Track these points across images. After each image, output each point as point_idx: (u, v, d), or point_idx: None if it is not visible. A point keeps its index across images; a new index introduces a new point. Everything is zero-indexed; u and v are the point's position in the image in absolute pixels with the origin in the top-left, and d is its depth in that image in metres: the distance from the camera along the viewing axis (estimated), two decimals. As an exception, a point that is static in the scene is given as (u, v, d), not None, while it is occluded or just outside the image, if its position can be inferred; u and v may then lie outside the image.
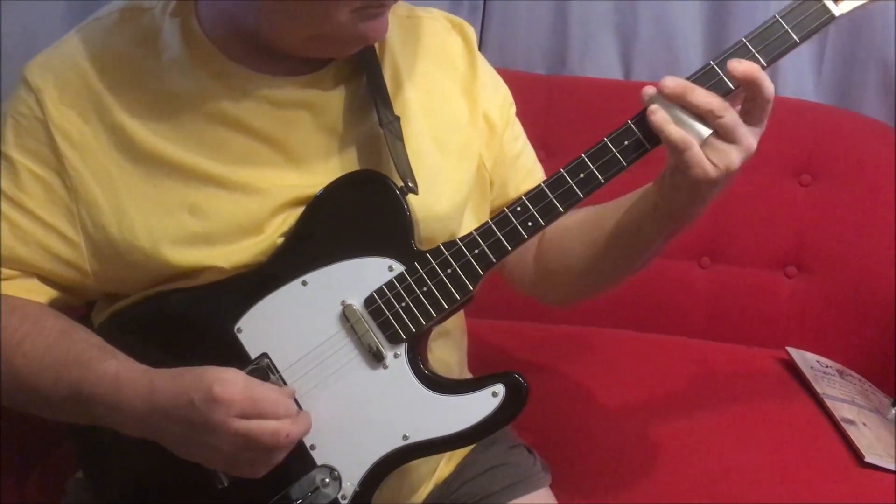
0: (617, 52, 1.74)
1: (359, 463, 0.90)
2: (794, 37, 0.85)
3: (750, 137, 0.84)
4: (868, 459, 1.21)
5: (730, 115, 0.83)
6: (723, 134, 0.83)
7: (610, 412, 1.33)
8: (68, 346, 0.89)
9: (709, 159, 0.83)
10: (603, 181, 0.88)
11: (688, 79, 0.85)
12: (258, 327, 0.91)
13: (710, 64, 0.85)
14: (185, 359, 0.87)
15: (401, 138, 0.94)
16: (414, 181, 0.93)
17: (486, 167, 1.05)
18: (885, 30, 1.63)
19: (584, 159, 0.88)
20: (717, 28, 1.65)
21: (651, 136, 0.86)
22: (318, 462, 0.91)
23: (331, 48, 0.92)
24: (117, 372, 0.86)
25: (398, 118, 0.95)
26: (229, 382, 0.82)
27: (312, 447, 0.90)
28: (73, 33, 0.96)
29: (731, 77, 0.83)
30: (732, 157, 0.83)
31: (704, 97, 0.83)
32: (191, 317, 0.93)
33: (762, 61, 0.84)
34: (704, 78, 0.85)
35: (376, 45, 0.99)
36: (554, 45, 1.74)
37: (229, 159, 0.92)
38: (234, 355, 0.91)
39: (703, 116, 0.83)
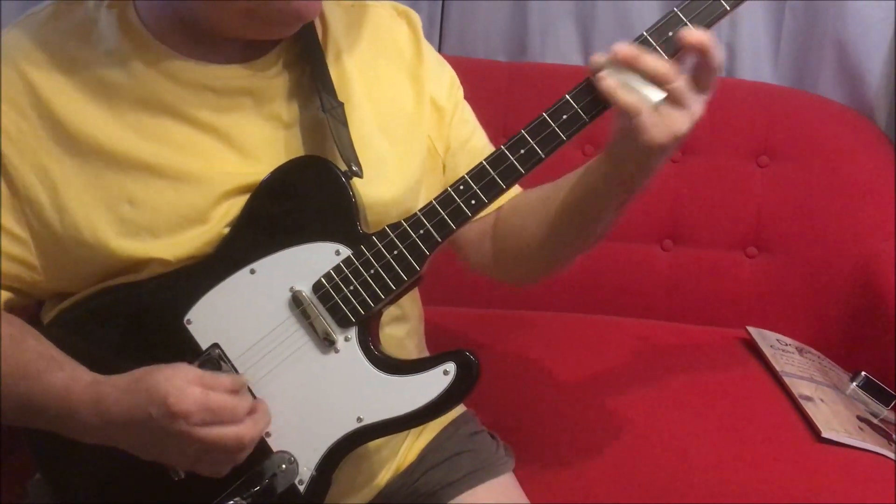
0: (577, 39, 1.76)
1: (314, 447, 0.90)
2: (725, 5, 0.85)
3: (698, 103, 0.85)
4: (825, 435, 1.22)
5: (680, 81, 0.84)
6: (673, 99, 0.84)
7: (573, 395, 1.33)
8: (17, 356, 0.88)
9: (659, 124, 0.84)
10: (543, 156, 0.89)
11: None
12: (208, 318, 0.92)
13: (643, 35, 0.85)
14: (136, 353, 0.87)
15: (345, 123, 0.95)
16: (358, 165, 0.93)
17: (437, 151, 1.06)
18: (840, 11, 1.65)
19: (523, 135, 0.88)
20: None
21: (590, 109, 0.87)
22: (275, 449, 0.91)
23: (267, 27, 0.92)
24: (65, 384, 0.86)
25: (342, 104, 0.96)
26: (184, 394, 0.82)
27: (268, 434, 0.91)
28: (8, 30, 0.95)
29: (684, 44, 0.84)
30: (681, 122, 0.84)
31: (658, 62, 0.83)
32: (139, 311, 0.93)
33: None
34: (656, 34, 0.85)
35: (320, 33, 0.99)
36: (514, 33, 1.75)
37: (170, 149, 0.92)
38: (185, 347, 0.91)
39: (656, 81, 0.83)
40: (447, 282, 1.54)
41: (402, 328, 1.07)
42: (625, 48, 0.84)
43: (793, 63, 1.72)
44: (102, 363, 0.88)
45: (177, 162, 0.91)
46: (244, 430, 0.85)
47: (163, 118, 0.92)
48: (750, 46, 1.71)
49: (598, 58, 0.86)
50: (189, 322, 0.92)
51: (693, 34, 0.83)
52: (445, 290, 1.49)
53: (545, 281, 1.10)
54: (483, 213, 0.95)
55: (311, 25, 0.98)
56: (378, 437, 0.93)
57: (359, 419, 0.90)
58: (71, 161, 0.91)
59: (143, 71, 0.92)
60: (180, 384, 0.83)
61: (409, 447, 1.10)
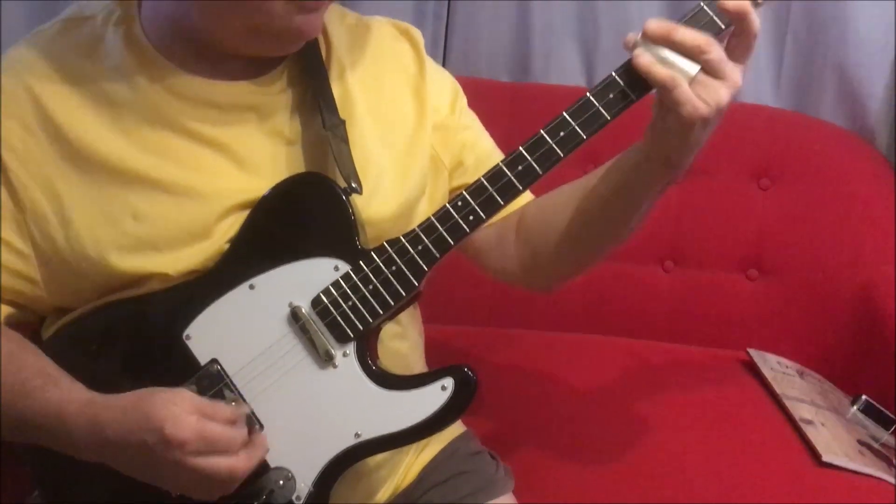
0: (579, 60, 1.77)
1: (312, 463, 0.90)
2: None
3: (737, 73, 0.84)
4: (825, 458, 1.22)
5: (716, 51, 0.83)
6: (710, 70, 0.83)
7: (573, 416, 1.33)
8: (14, 372, 0.88)
9: (699, 97, 0.83)
10: (541, 172, 0.88)
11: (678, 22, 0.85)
12: (207, 333, 0.92)
13: (699, 5, 0.85)
14: (135, 368, 0.87)
15: (346, 141, 0.95)
16: (358, 182, 0.93)
17: (443, 163, 1.06)
18: (842, 36, 1.66)
19: (521, 152, 0.89)
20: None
21: (635, 86, 0.86)
22: (272, 464, 0.91)
23: (268, 44, 0.93)
24: (60, 403, 0.86)
25: (343, 121, 0.96)
26: (181, 423, 0.82)
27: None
28: (16, 46, 0.96)
29: (723, 12, 0.84)
30: (721, 92, 0.83)
31: (690, 34, 0.83)
32: (138, 326, 0.93)
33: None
34: (692, 21, 0.85)
35: (323, 50, 1.00)
36: (517, 53, 1.76)
37: (174, 164, 0.92)
38: (184, 362, 0.91)
39: (690, 54, 0.83)
40: (447, 300, 1.54)
41: (402, 344, 1.07)
42: (655, 24, 0.84)
43: (794, 86, 1.73)
44: (102, 378, 0.88)
45: (180, 177, 0.92)
46: (238, 463, 0.85)
47: (167, 133, 0.93)
48: (752, 70, 1.71)
49: (632, 35, 0.85)
50: (188, 337, 0.92)
51: (732, 3, 0.82)
52: (445, 309, 1.49)
53: (556, 293, 1.10)
54: (495, 218, 0.95)
55: (315, 43, 0.99)
56: (376, 453, 0.93)
57: (357, 435, 0.90)
58: (76, 175, 0.91)
59: (148, 87, 0.93)
60: (178, 412, 0.82)
61: (409, 466, 1.10)
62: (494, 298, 1.63)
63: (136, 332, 0.94)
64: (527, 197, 1.07)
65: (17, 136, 0.91)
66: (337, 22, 1.04)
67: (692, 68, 0.83)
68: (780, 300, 1.58)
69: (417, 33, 1.08)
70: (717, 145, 1.58)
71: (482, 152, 1.09)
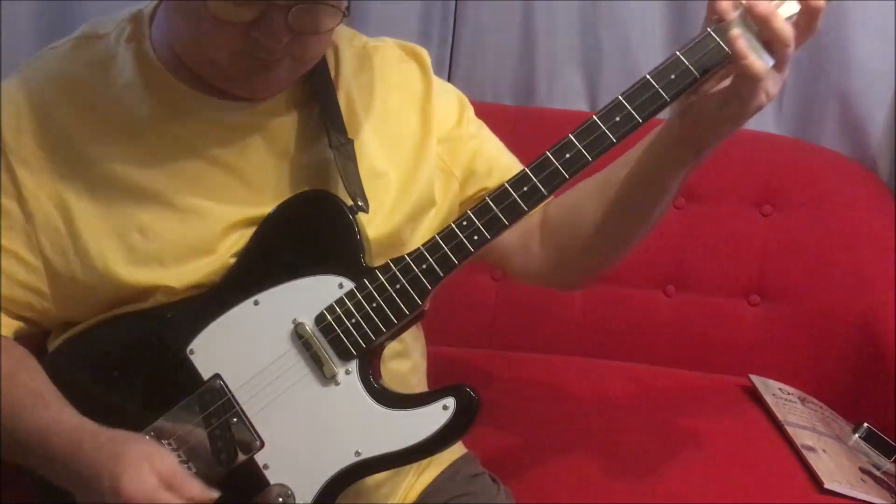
0: (583, 85, 1.78)
1: (312, 481, 0.90)
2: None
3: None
4: (827, 486, 1.22)
5: (793, 47, 0.84)
6: (782, 64, 0.84)
7: (573, 439, 1.33)
8: (10, 390, 0.89)
9: (764, 88, 0.84)
10: (546, 193, 0.89)
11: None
12: (210, 348, 0.92)
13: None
14: (138, 383, 0.88)
15: (353, 160, 0.96)
16: (364, 201, 0.94)
17: (454, 175, 1.07)
18: (844, 64, 1.67)
19: (527, 172, 0.90)
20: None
21: (706, 69, 0.85)
22: (272, 481, 0.91)
23: (236, 90, 0.94)
24: (47, 425, 0.86)
25: (351, 141, 0.97)
26: (139, 481, 0.80)
27: (265, 466, 0.91)
28: (28, 63, 0.98)
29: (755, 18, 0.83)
30: (776, 88, 0.85)
31: (787, 25, 0.83)
32: (142, 340, 0.94)
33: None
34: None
35: (333, 70, 1.01)
36: (521, 78, 1.77)
37: (181, 181, 0.93)
38: (187, 377, 0.92)
39: (777, 43, 0.83)
40: (449, 322, 1.54)
41: (405, 364, 1.07)
42: (762, 4, 0.82)
43: (796, 114, 1.74)
44: (105, 392, 0.88)
45: (187, 194, 0.93)
46: None
47: (174, 151, 0.94)
48: (754, 97, 1.73)
49: (731, 7, 0.84)
50: (192, 352, 0.92)
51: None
52: (448, 331, 1.49)
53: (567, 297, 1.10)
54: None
55: (324, 63, 1.00)
56: (376, 472, 0.93)
57: (357, 453, 0.90)
58: (85, 190, 0.93)
59: (157, 104, 0.94)
60: (143, 468, 0.81)
61: (409, 487, 1.10)
62: (497, 321, 1.63)
63: (139, 346, 0.94)
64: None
65: (30, 150, 0.92)
66: (346, 44, 1.05)
67: (769, 60, 0.83)
68: (782, 326, 1.58)
69: (424, 53, 1.09)
70: (719, 171, 1.61)
71: (491, 157, 1.10)
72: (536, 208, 0.91)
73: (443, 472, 1.13)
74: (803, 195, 1.62)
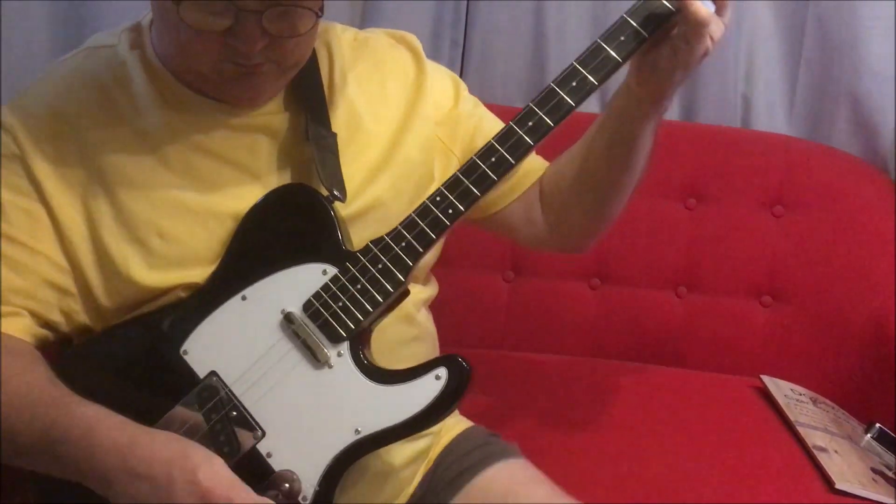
0: (593, 86, 1.78)
1: (316, 463, 0.91)
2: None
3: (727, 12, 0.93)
4: (839, 486, 1.22)
5: None
6: (721, 9, 0.92)
7: (585, 440, 1.34)
8: (51, 388, 0.89)
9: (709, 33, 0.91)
10: (514, 161, 0.93)
11: None
12: (203, 347, 0.94)
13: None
14: (136, 390, 0.90)
15: (333, 151, 0.99)
16: (342, 190, 0.97)
17: (452, 152, 1.10)
18: (855, 65, 1.67)
19: (492, 144, 0.94)
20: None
21: (649, 25, 0.92)
22: (276, 468, 0.92)
23: (218, 92, 0.96)
24: (94, 417, 0.85)
25: (334, 134, 1.00)
26: (216, 474, 0.81)
27: (269, 455, 0.92)
28: (43, 73, 1.00)
29: None
30: (721, 29, 0.91)
31: None
32: (137, 346, 0.96)
33: None
34: None
35: (325, 65, 1.04)
36: (532, 80, 1.78)
37: (197, 182, 0.96)
38: (184, 378, 0.93)
39: None
40: (462, 322, 1.55)
41: (421, 346, 1.09)
42: None
43: (807, 115, 1.74)
44: (105, 401, 0.87)
45: (202, 195, 0.95)
46: None
47: (188, 153, 0.96)
48: (765, 98, 1.74)
49: None
50: (185, 353, 0.94)
51: None
52: (461, 331, 1.49)
53: (590, 249, 1.18)
54: (506, 204, 1.07)
55: (314, 60, 1.02)
56: (379, 448, 0.93)
57: (357, 431, 0.91)
58: (105, 195, 0.95)
59: (168, 108, 0.96)
60: (216, 463, 0.82)
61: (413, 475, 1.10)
62: (509, 322, 1.63)
63: (137, 352, 0.96)
64: (542, 166, 1.14)
65: (49, 157, 0.94)
66: (338, 38, 1.08)
67: (710, 6, 0.91)
68: (794, 327, 1.58)
69: (414, 38, 1.12)
70: (730, 173, 1.62)
71: (489, 132, 1.11)
72: (505, 176, 0.94)
73: (455, 437, 1.14)
74: (815, 196, 1.62)
